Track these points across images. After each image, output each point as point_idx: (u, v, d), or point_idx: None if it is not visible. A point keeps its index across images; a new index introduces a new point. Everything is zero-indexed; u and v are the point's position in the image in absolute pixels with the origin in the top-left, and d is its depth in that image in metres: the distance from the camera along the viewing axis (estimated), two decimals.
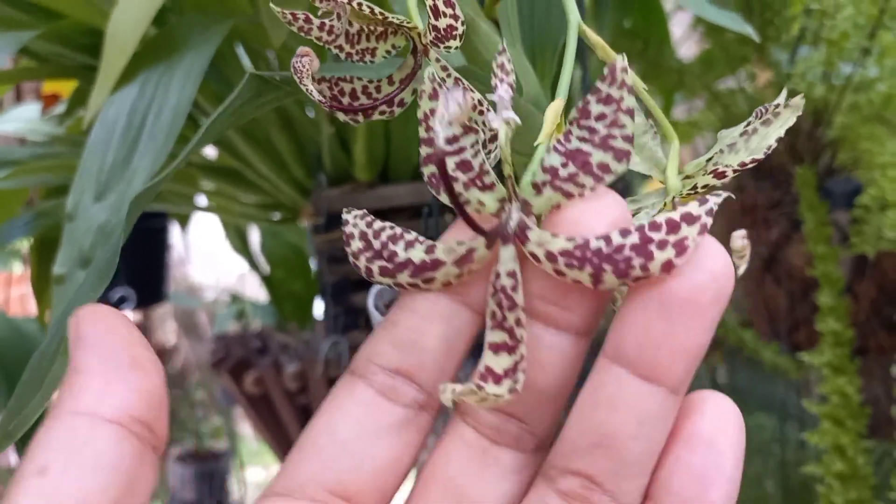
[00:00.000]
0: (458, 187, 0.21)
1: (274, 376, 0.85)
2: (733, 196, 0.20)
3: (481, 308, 0.21)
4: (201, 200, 0.81)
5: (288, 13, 0.28)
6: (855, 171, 0.83)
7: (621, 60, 0.19)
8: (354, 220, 0.22)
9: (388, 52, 0.29)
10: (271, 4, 0.29)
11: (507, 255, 0.20)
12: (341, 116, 0.29)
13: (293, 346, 0.95)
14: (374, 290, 0.43)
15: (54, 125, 0.75)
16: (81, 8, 0.51)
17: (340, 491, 0.21)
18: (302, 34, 0.28)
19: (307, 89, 0.26)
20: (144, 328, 1.63)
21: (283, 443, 0.92)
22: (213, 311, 1.70)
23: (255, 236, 1.11)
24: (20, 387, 0.24)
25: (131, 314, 1.06)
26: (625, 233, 0.19)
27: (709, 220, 0.19)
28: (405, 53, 0.31)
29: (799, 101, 0.29)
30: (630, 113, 0.19)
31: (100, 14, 0.50)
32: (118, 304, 1.02)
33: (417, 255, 0.21)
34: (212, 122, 0.28)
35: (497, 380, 0.20)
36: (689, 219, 0.18)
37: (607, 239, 0.19)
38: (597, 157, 0.19)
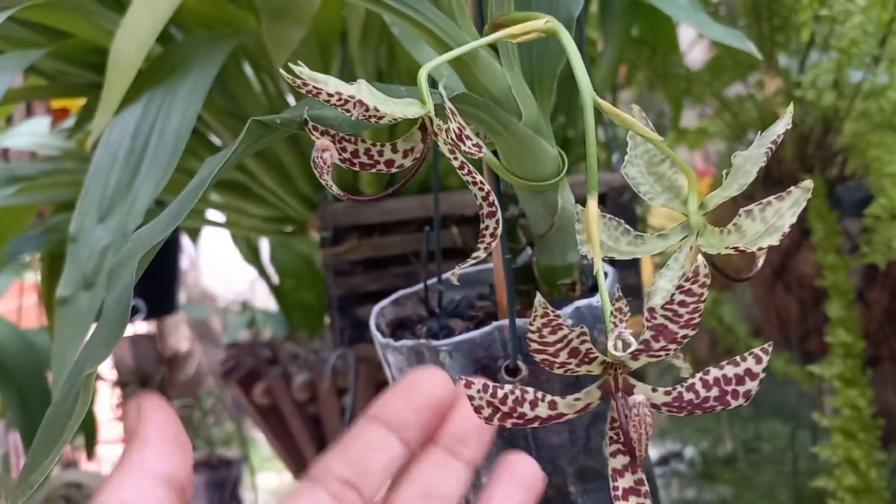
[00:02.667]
0: (572, 366, 0.26)
1: (283, 387, 0.85)
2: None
3: (414, 445, 0.29)
4: (211, 213, 0.81)
5: (298, 80, 0.28)
6: (866, 178, 0.82)
7: (704, 266, 0.25)
8: (479, 395, 0.26)
9: (394, 119, 0.30)
10: (281, 70, 0.29)
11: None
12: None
13: (302, 356, 0.95)
14: (377, 308, 0.43)
15: (63, 139, 0.76)
16: (87, 28, 0.51)
17: None
18: (310, 96, 0.28)
19: (327, 184, 0.27)
20: (158, 334, 1.64)
21: (292, 452, 0.92)
22: (225, 318, 1.71)
23: (265, 246, 1.12)
24: (38, 439, 0.25)
25: (142, 325, 1.06)
26: (707, 386, 0.26)
27: (763, 375, 0.25)
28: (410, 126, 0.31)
29: (809, 183, 0.29)
30: (705, 301, 0.25)
31: (106, 34, 0.50)
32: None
33: (544, 411, 0.26)
34: (219, 168, 0.28)
35: (626, 496, 0.27)
36: (752, 375, 0.25)
37: (695, 392, 0.26)
38: (682, 332, 0.25)
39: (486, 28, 0.35)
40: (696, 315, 0.26)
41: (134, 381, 1.01)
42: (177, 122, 0.40)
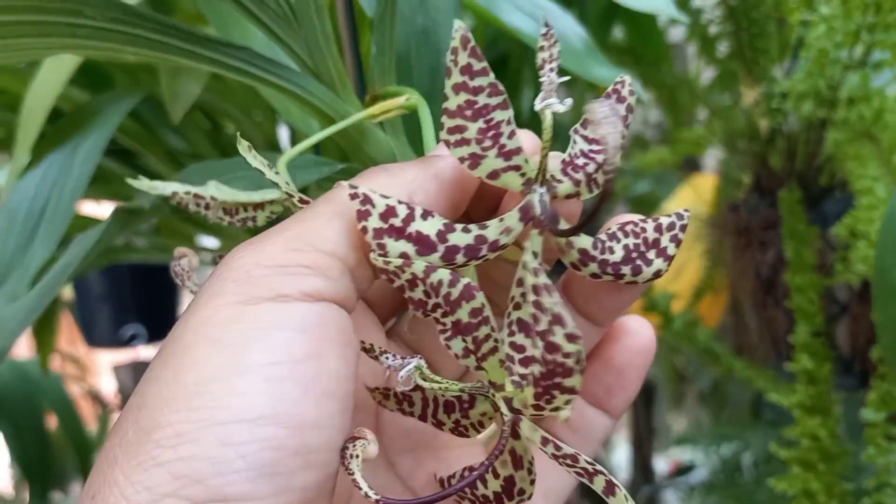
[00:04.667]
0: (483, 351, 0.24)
1: None
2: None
3: None
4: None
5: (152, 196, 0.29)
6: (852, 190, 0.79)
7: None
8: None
9: (269, 217, 0.30)
10: (131, 181, 0.29)
11: None
12: None
13: None
14: None
15: None
16: (18, 84, 0.52)
17: None
18: (181, 207, 0.29)
19: (191, 290, 0.27)
20: None
21: None
22: None
23: None
24: None
25: (144, 350, 1.08)
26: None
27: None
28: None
29: (681, 213, 0.28)
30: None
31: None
32: (129, 341, 1.05)
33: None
34: (81, 259, 0.29)
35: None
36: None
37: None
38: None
39: (367, 99, 0.34)
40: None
41: None
42: (74, 179, 0.40)
